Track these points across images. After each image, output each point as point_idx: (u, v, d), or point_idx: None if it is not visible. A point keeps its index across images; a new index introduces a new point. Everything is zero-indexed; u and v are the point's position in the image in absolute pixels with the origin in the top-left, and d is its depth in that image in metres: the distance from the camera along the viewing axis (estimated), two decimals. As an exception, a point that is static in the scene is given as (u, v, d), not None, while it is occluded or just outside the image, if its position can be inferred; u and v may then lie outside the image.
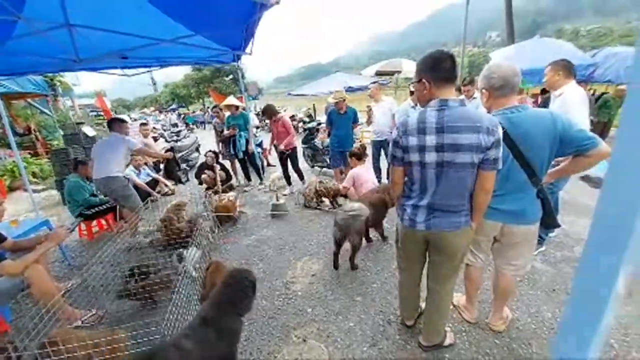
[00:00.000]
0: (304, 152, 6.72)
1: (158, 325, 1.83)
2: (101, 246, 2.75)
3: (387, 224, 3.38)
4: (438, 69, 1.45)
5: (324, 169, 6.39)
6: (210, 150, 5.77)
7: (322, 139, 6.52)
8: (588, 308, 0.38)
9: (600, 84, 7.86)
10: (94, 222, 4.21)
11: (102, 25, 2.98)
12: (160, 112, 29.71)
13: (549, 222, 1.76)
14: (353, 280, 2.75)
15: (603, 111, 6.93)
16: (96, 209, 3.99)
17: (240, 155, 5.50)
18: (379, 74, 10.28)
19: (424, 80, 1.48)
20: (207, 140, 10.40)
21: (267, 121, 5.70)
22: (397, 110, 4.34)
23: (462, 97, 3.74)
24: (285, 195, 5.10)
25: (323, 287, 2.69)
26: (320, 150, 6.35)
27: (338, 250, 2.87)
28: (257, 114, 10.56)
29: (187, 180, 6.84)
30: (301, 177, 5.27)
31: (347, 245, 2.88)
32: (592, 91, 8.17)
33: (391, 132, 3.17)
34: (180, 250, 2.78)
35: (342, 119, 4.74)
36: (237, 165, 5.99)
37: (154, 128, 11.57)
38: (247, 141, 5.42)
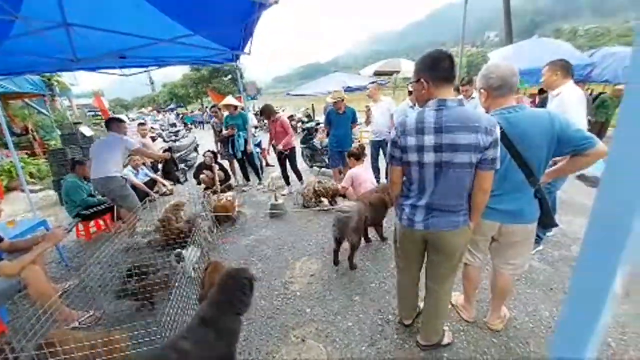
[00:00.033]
0: (302, 152, 6.72)
1: (156, 326, 1.83)
2: (99, 247, 2.74)
3: (385, 223, 3.38)
4: (436, 69, 1.45)
5: (323, 169, 6.39)
6: (208, 150, 5.75)
7: (320, 139, 6.52)
8: (585, 307, 0.38)
9: (597, 83, 7.90)
10: (92, 223, 4.20)
11: (100, 24, 2.97)
12: (159, 112, 29.67)
13: (546, 221, 1.76)
14: (352, 280, 2.75)
15: (600, 111, 6.96)
16: (94, 209, 3.97)
17: (239, 155, 5.49)
18: (377, 73, 10.28)
19: (422, 80, 1.48)
20: (205, 140, 10.39)
21: (266, 121, 5.69)
22: (396, 110, 4.35)
23: (461, 97, 3.76)
24: (284, 195, 5.10)
25: (322, 287, 2.69)
26: (319, 150, 6.34)
27: (338, 248, 2.93)
28: (256, 114, 10.55)
29: (186, 180, 6.83)
30: (299, 177, 5.27)
31: (346, 245, 2.89)
32: (589, 91, 8.20)
33: (390, 132, 3.18)
34: (179, 250, 2.77)
35: (340, 119, 4.74)
36: (236, 165, 5.98)
37: (152, 128, 11.53)
38: (246, 141, 5.41)
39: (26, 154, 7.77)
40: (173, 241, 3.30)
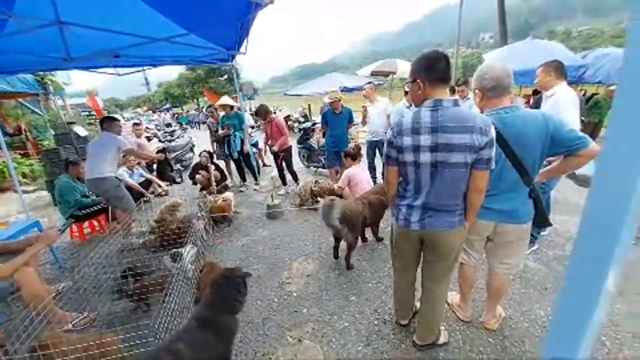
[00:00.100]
0: (299, 152, 6.72)
1: (151, 328, 1.81)
2: (93, 248, 2.71)
3: (381, 223, 3.39)
4: (432, 69, 1.45)
5: (320, 169, 6.39)
6: (204, 151, 5.73)
7: (317, 139, 6.52)
8: (578, 306, 0.38)
9: (590, 85, 7.98)
10: (86, 224, 4.15)
11: (94, 23, 2.94)
12: (154, 111, 29.47)
13: (541, 221, 1.78)
14: (348, 280, 2.75)
15: (594, 112, 7.03)
16: (88, 210, 3.93)
17: (235, 155, 5.47)
18: (374, 74, 10.29)
19: (418, 80, 1.48)
20: (201, 140, 10.34)
21: (262, 121, 5.69)
22: (392, 111, 4.36)
23: (457, 97, 3.78)
24: (280, 195, 5.09)
25: (318, 287, 2.69)
26: (316, 150, 6.34)
27: (337, 245, 3.03)
28: (253, 114, 10.53)
29: (182, 180, 6.79)
30: (295, 178, 5.26)
31: (343, 246, 2.92)
32: (582, 92, 8.29)
33: (386, 132, 3.18)
34: (175, 250, 2.75)
35: (337, 119, 4.75)
36: (232, 165, 5.96)
37: (147, 128, 11.44)
38: (242, 141, 5.39)
39: (19, 154, 7.69)
40: (168, 242, 3.28)
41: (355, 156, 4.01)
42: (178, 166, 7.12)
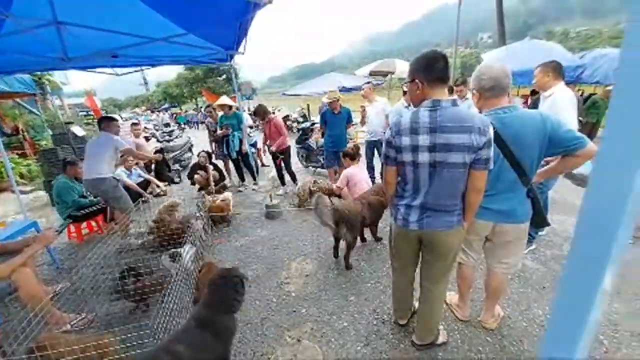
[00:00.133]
0: (298, 152, 6.71)
1: (150, 329, 1.80)
2: (91, 248, 2.70)
3: (380, 223, 3.39)
4: (431, 69, 1.45)
5: (318, 169, 6.39)
6: (203, 151, 5.71)
7: (316, 139, 6.52)
8: (575, 306, 0.39)
9: (588, 85, 8.02)
10: (84, 224, 4.14)
11: (92, 23, 2.93)
12: (152, 111, 29.41)
13: (538, 221, 1.78)
14: (347, 280, 2.75)
15: (592, 112, 7.06)
16: (86, 210, 3.91)
17: (234, 155, 5.46)
18: (372, 74, 10.31)
19: (417, 80, 1.48)
20: (200, 140, 10.32)
21: (261, 121, 5.69)
22: (391, 111, 4.36)
23: (455, 97, 3.79)
24: (279, 195, 5.09)
25: (317, 287, 2.69)
26: (315, 150, 6.34)
27: (337, 245, 3.04)
28: (251, 114, 10.52)
29: (180, 180, 6.77)
30: (294, 179, 5.26)
31: (342, 245, 2.93)
32: (580, 92, 8.32)
33: (384, 132, 3.18)
34: (174, 250, 2.75)
35: (336, 119, 4.74)
36: (231, 165, 5.95)
37: (145, 128, 11.42)
38: (241, 141, 5.38)
39: (17, 154, 7.65)
40: (167, 242, 3.27)
41: (353, 156, 4.02)
42: (176, 166, 7.10)
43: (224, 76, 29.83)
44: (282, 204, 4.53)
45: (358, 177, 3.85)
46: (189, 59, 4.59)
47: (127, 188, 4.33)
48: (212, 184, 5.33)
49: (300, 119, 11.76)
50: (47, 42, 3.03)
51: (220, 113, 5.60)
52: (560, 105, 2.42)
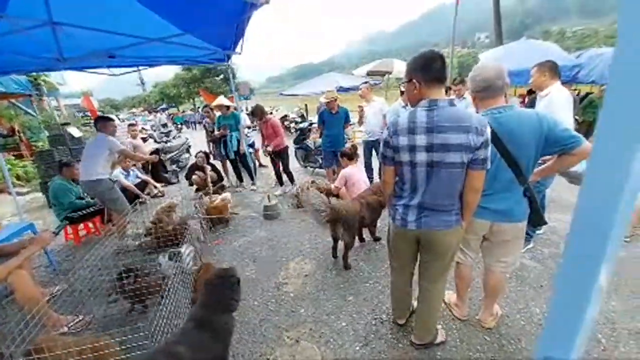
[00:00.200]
0: (296, 152, 6.71)
1: (148, 330, 1.80)
2: (88, 250, 2.69)
3: (379, 223, 3.39)
4: (429, 69, 1.45)
5: (317, 169, 6.38)
6: (200, 151, 5.70)
7: (314, 139, 6.52)
8: (571, 304, 0.39)
9: (584, 84, 8.05)
10: (81, 226, 4.11)
11: (89, 23, 2.91)
12: (150, 112, 29.33)
13: (536, 220, 1.79)
14: (345, 280, 2.75)
15: (588, 111, 7.10)
16: (82, 211, 3.89)
17: (232, 155, 5.45)
18: (370, 74, 10.32)
19: (414, 80, 1.48)
20: (198, 141, 10.29)
21: (258, 121, 5.68)
22: (388, 111, 4.37)
23: (453, 96, 3.79)
24: (277, 195, 5.08)
25: (315, 288, 2.69)
26: (313, 150, 6.34)
27: (336, 245, 3.04)
28: (249, 114, 10.51)
29: (178, 181, 6.75)
30: (291, 179, 5.26)
31: (340, 246, 2.93)
32: (576, 91, 8.36)
33: (382, 132, 3.19)
34: (172, 250, 2.73)
35: (334, 119, 4.75)
36: (229, 165, 5.93)
37: (142, 129, 11.39)
38: (239, 141, 5.37)
39: (13, 155, 7.60)
40: (164, 244, 3.26)
41: (351, 156, 4.02)
42: (174, 167, 7.07)
43: (221, 76, 29.79)
44: (280, 204, 4.53)
45: (356, 177, 3.85)
46: (186, 59, 4.58)
47: (124, 189, 4.31)
48: (210, 184, 5.31)
49: (298, 119, 11.74)
50: (42, 43, 3.01)
51: (218, 113, 5.59)
52: (557, 105, 2.43)
